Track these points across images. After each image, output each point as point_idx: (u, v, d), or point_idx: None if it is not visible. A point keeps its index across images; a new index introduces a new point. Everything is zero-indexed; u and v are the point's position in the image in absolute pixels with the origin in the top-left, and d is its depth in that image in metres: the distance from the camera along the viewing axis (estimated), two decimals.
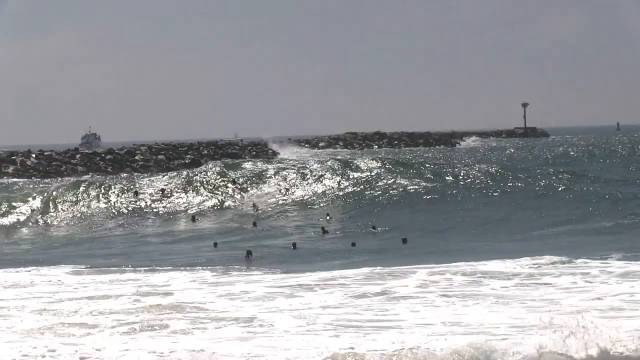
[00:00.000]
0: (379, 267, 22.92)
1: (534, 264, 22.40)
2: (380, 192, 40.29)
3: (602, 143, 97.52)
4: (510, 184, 40.40)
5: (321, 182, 42.25)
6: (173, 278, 22.64)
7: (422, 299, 18.84)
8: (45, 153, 65.25)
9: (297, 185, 42.17)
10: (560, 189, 39.24)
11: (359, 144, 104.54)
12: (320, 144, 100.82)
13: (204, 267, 24.43)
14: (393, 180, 41.41)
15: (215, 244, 30.95)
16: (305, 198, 40.78)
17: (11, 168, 61.73)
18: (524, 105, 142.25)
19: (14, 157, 63.48)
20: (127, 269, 24.34)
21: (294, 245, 29.90)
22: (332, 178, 42.43)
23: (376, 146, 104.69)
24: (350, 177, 42.47)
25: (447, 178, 41.76)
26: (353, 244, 29.55)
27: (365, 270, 22.58)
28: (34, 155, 64.22)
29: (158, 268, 24.44)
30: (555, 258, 22.87)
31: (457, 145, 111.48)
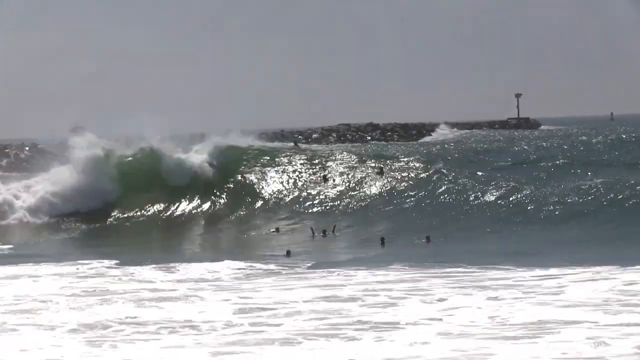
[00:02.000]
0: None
1: None
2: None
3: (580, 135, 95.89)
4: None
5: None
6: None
7: None
8: (39, 146, 64.79)
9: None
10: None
11: (352, 136, 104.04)
12: (314, 136, 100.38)
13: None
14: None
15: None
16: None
17: (5, 161, 61.28)
18: (517, 95, 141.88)
19: (7, 150, 63.07)
20: None
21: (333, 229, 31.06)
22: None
23: (369, 137, 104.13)
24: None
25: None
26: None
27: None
28: (27, 149, 63.78)
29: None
30: None
31: (423, 139, 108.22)
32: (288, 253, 27.78)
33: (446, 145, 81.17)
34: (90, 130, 41.73)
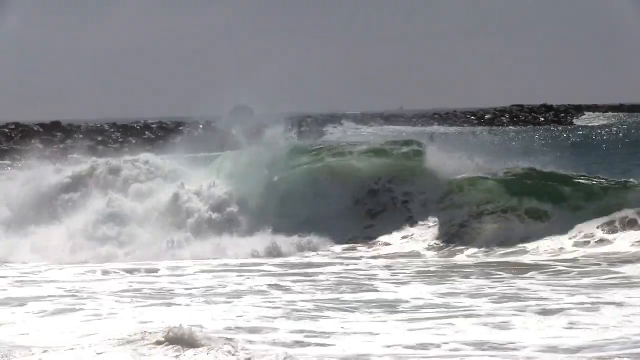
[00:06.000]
0: None
1: None
2: None
3: None
4: None
5: None
6: None
7: None
8: (212, 125, 63.99)
9: None
10: None
11: (525, 117, 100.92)
12: (487, 117, 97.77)
13: None
14: None
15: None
16: None
17: (178, 139, 60.63)
18: None
19: (181, 129, 62.60)
20: None
21: None
22: None
23: (542, 119, 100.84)
24: None
25: None
26: None
27: None
28: (201, 127, 62.98)
29: None
30: None
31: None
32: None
33: None
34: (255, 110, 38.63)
